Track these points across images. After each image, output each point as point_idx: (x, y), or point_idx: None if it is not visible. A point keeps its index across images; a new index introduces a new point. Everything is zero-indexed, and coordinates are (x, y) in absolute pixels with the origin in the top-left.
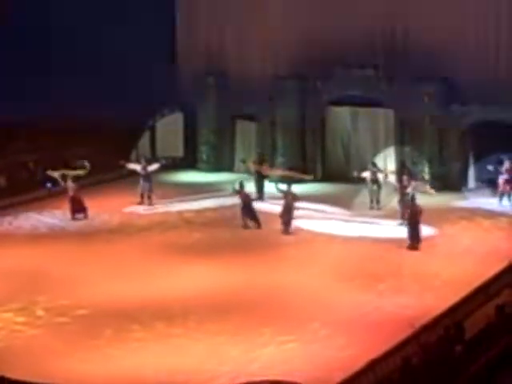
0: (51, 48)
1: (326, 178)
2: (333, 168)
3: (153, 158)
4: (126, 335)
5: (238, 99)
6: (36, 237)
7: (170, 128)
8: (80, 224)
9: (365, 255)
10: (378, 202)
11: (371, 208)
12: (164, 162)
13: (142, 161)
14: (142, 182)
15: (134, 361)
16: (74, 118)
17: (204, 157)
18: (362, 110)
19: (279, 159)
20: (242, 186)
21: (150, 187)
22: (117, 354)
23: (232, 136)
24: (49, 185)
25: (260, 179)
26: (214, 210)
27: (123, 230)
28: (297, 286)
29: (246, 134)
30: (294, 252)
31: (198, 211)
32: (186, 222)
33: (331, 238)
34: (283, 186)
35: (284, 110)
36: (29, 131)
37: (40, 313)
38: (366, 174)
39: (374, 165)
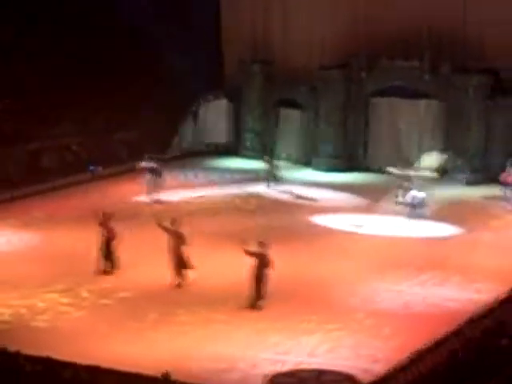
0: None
1: (367, 168)
2: (375, 158)
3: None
4: (170, 319)
5: (283, 87)
6: (81, 219)
7: (214, 114)
8: (125, 207)
9: (408, 247)
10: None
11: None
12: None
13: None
14: (151, 176)
15: (178, 345)
16: (120, 102)
17: (248, 143)
18: (405, 101)
19: (322, 148)
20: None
21: (159, 183)
22: (160, 337)
23: (276, 123)
24: (92, 167)
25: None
26: (258, 196)
27: (170, 214)
28: (341, 275)
29: (290, 121)
30: (338, 242)
31: (242, 198)
32: (233, 208)
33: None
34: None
35: (328, 99)
36: (74, 114)
37: (85, 294)
38: (397, 172)
39: (406, 162)
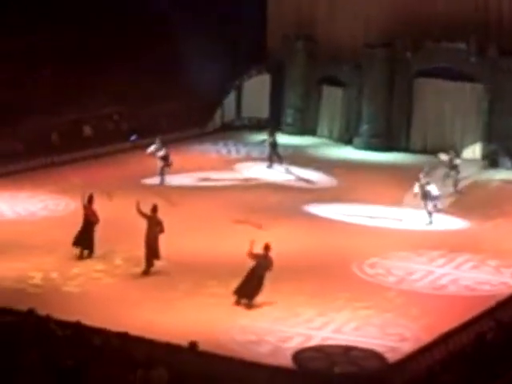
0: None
1: (409, 148)
2: (417, 139)
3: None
4: (201, 290)
5: (326, 64)
6: (118, 187)
7: (256, 89)
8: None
9: (445, 230)
10: (454, 186)
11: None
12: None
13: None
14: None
15: (208, 316)
16: (162, 75)
17: (289, 120)
18: (450, 83)
19: (364, 127)
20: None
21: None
22: (190, 307)
23: (318, 101)
24: (133, 137)
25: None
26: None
27: (205, 188)
28: (374, 254)
29: (333, 99)
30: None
31: (278, 174)
32: (266, 184)
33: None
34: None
35: (372, 78)
36: (116, 84)
37: (118, 262)
38: (445, 158)
39: (455, 151)
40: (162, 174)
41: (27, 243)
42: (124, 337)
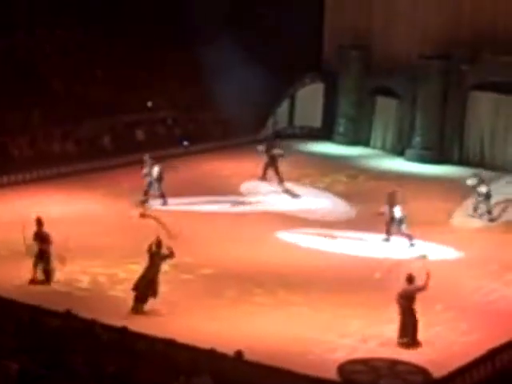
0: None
1: (462, 161)
2: (470, 153)
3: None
4: (247, 298)
5: (381, 75)
6: (169, 193)
7: (309, 97)
8: (211, 184)
9: (496, 243)
10: (488, 212)
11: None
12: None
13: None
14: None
15: (253, 325)
16: (216, 81)
17: (341, 129)
18: (505, 97)
19: (416, 138)
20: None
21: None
22: (237, 315)
23: (371, 111)
24: (185, 143)
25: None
26: (345, 183)
27: (254, 195)
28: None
29: (386, 110)
30: (426, 233)
31: (329, 183)
32: None
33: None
34: None
35: (426, 90)
36: (169, 90)
37: (167, 268)
38: (471, 183)
39: (480, 177)
40: (162, 195)
41: (75, 246)
42: (169, 343)
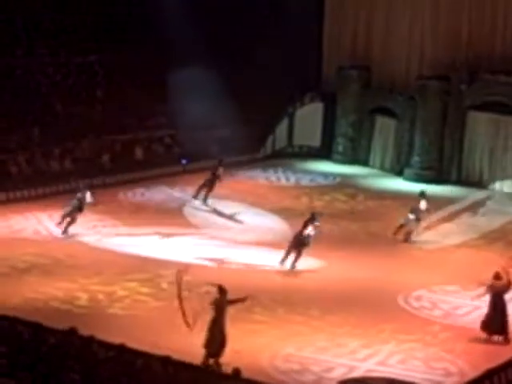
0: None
1: (459, 181)
2: (468, 173)
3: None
4: (246, 316)
5: (379, 95)
6: (166, 211)
7: (309, 117)
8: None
9: (489, 262)
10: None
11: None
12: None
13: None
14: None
15: (252, 343)
16: (215, 101)
17: (340, 148)
18: (503, 118)
19: (415, 158)
20: None
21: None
22: (235, 333)
23: (370, 130)
24: (184, 161)
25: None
26: (344, 201)
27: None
28: (420, 287)
29: (385, 130)
30: (420, 254)
31: (328, 201)
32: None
33: (458, 246)
34: None
35: (425, 110)
36: (168, 109)
37: (164, 285)
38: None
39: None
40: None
41: (75, 264)
42: (166, 361)
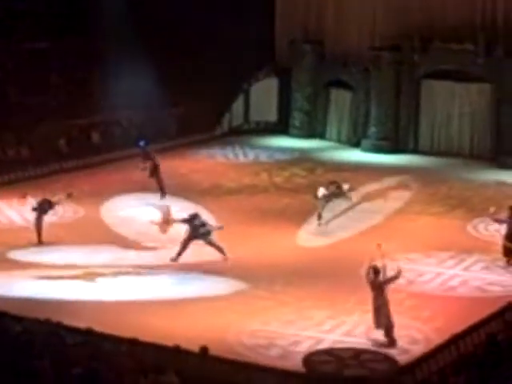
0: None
1: (416, 150)
2: (424, 141)
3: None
4: (211, 294)
5: (334, 68)
6: (125, 194)
7: (264, 92)
8: (170, 184)
9: (452, 229)
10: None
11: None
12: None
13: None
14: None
15: (217, 320)
16: (172, 78)
17: (297, 123)
18: (458, 85)
19: (372, 129)
20: None
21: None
22: (200, 312)
23: (326, 104)
24: (141, 143)
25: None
26: (304, 176)
27: (212, 192)
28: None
29: (340, 102)
30: (383, 222)
31: (287, 177)
32: (275, 187)
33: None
34: None
35: (379, 81)
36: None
37: (128, 268)
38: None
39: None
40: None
41: (42, 251)
42: (133, 342)
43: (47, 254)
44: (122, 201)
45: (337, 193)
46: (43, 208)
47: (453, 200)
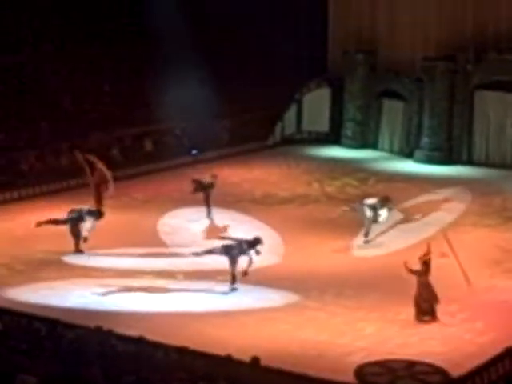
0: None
1: (470, 161)
2: (478, 152)
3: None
4: (263, 304)
5: (386, 78)
6: (178, 203)
7: (316, 103)
8: (222, 192)
9: (507, 242)
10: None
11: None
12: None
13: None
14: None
15: (268, 330)
16: (226, 87)
17: (349, 133)
18: (510, 96)
19: (424, 140)
20: None
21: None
22: (252, 321)
23: (378, 114)
24: (194, 152)
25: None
26: (356, 186)
27: (264, 201)
28: (437, 267)
29: (393, 113)
30: (436, 234)
31: (339, 187)
32: (327, 196)
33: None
34: None
35: (433, 91)
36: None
37: (180, 277)
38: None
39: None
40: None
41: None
42: (184, 351)
43: (102, 260)
44: (177, 210)
45: (380, 205)
46: (76, 217)
47: (508, 212)
